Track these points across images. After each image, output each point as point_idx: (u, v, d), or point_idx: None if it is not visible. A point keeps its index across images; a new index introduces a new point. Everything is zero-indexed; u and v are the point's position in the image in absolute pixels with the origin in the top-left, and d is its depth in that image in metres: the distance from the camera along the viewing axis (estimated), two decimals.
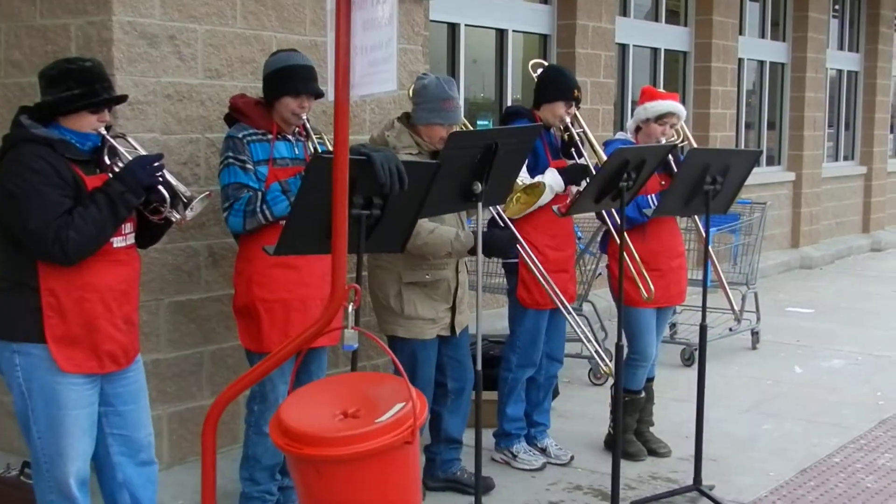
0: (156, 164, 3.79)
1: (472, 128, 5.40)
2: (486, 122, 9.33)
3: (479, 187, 4.24)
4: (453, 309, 5.05)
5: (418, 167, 4.01)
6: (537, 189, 5.09)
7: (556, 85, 5.50)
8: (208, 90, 5.10)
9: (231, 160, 4.43)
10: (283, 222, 3.97)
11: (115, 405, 3.90)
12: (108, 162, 3.81)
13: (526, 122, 5.41)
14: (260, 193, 4.40)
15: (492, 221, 5.52)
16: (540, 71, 5.68)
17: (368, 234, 3.72)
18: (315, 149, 4.52)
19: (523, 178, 5.15)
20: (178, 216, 3.86)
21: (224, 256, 5.12)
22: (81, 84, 3.72)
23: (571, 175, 5.40)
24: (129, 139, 4.00)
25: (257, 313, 4.47)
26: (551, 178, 5.34)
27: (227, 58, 5.17)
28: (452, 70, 8.76)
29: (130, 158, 3.81)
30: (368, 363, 5.65)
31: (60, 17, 4.85)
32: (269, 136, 4.50)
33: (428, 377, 5.00)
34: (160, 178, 3.80)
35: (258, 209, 4.37)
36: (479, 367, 4.28)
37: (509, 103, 9.20)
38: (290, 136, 4.58)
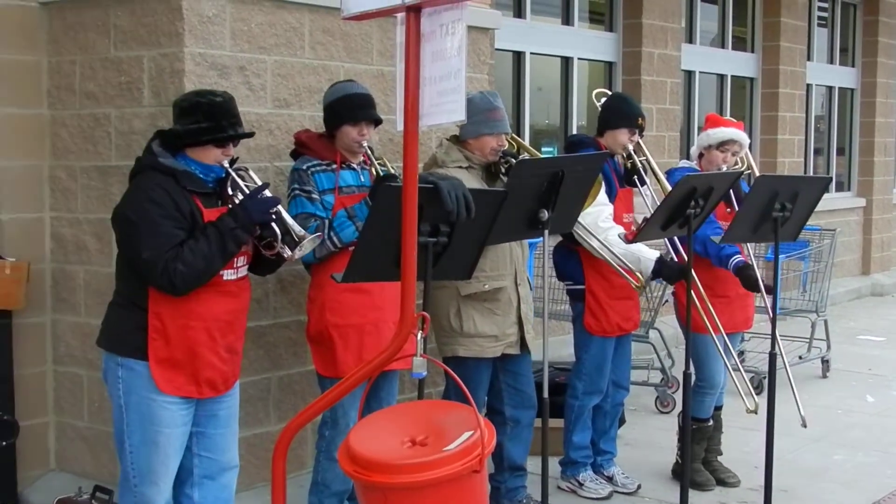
0: (270, 201, 3.89)
1: (521, 141, 5.41)
2: (550, 150, 9.34)
3: (545, 214, 4.26)
4: (520, 324, 5.01)
5: (485, 195, 4.03)
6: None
7: (620, 112, 5.50)
8: (277, 119, 5.17)
9: (297, 191, 4.51)
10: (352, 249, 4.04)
11: (206, 427, 4.00)
12: (229, 193, 3.94)
13: (590, 150, 5.39)
14: (327, 221, 4.45)
15: (560, 244, 5.51)
16: (604, 99, 5.68)
17: (435, 262, 3.75)
18: (377, 173, 4.56)
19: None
20: (288, 253, 3.96)
21: (292, 283, 5.17)
22: (209, 118, 3.84)
23: (668, 272, 5.33)
24: (251, 173, 4.10)
25: (331, 339, 4.51)
26: (645, 263, 5.30)
27: (295, 87, 5.24)
28: (517, 97, 8.79)
29: (249, 192, 3.91)
30: (434, 389, 5.66)
31: (134, 49, 4.95)
32: (334, 166, 4.56)
33: (480, 400, 4.97)
34: (273, 216, 3.90)
35: (326, 236, 4.41)
36: (546, 394, 4.27)
37: (574, 131, 9.21)
38: (355, 165, 4.63)
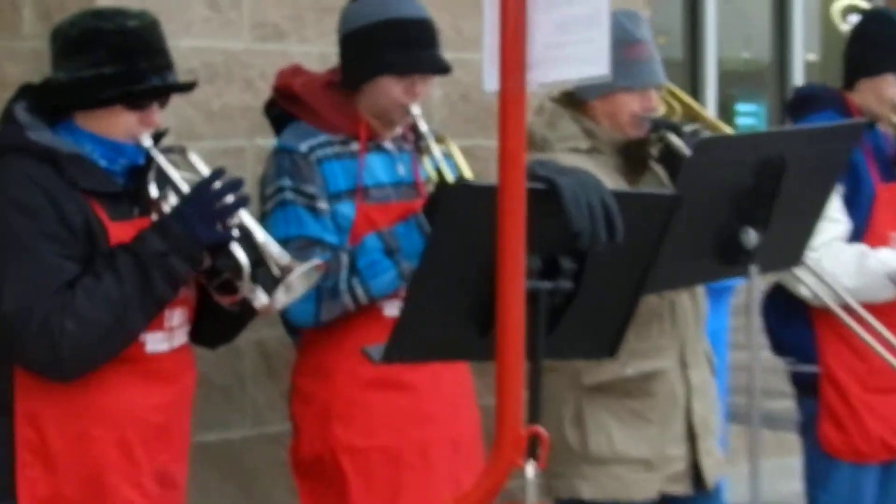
0: (228, 206, 3.87)
1: (689, 100, 5.38)
2: (752, 109, 9.34)
3: (751, 237, 4.25)
4: (692, 440, 4.99)
5: (639, 201, 4.02)
6: None
7: (885, 46, 5.54)
8: (259, 62, 5.22)
9: (289, 194, 4.50)
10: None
11: None
12: (153, 195, 3.95)
13: (832, 114, 5.43)
14: (345, 256, 4.45)
15: (776, 291, 5.50)
16: (854, 20, 5.69)
17: (552, 326, 3.74)
18: (439, 172, 4.56)
19: None
20: (263, 299, 3.90)
21: (288, 362, 5.20)
22: (117, 58, 3.86)
23: None
24: (192, 156, 4.10)
25: (340, 472, 4.52)
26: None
27: (293, 6, 5.28)
28: (692, 17, 8.80)
29: (189, 190, 3.91)
30: None
31: None
32: (355, 147, 4.57)
33: None
34: (233, 232, 3.88)
35: (343, 285, 4.42)
36: None
37: (796, 73, 9.20)
38: (388, 144, 4.65)
